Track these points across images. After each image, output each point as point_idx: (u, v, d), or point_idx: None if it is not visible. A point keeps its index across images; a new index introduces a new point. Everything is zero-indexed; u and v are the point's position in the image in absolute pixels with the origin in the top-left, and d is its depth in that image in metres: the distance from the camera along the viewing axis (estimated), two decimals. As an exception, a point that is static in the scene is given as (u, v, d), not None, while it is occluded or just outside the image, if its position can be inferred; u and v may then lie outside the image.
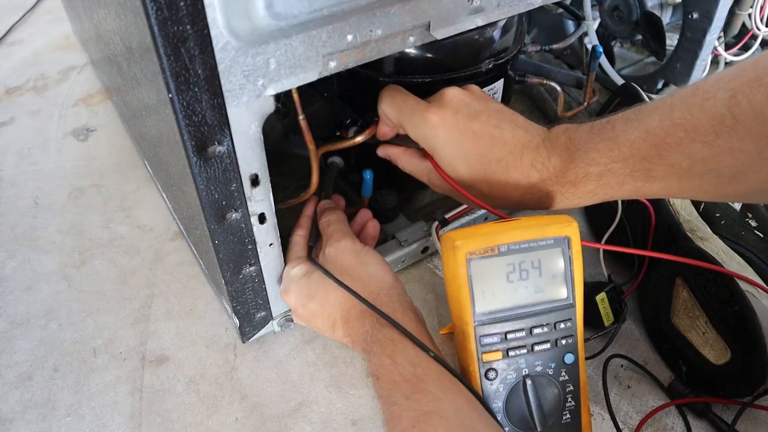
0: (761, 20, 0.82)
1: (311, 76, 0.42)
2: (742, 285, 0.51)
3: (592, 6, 0.80)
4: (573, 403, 0.47)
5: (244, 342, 0.59)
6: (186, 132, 0.39)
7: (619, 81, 0.83)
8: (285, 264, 0.54)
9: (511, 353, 0.45)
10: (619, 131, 0.43)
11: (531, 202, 0.49)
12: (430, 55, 0.56)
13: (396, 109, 0.51)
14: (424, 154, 0.52)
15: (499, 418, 0.45)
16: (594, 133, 0.44)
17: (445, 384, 0.41)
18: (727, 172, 0.38)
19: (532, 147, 0.47)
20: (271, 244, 0.50)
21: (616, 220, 0.62)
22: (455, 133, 0.48)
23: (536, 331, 0.45)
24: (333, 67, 0.42)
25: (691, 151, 0.39)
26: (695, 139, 0.38)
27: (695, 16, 0.76)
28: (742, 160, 0.37)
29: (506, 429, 0.46)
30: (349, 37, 0.42)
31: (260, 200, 0.46)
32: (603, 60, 0.82)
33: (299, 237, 0.55)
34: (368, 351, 0.45)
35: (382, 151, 0.57)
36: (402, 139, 0.55)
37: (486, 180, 0.48)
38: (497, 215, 0.49)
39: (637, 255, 0.61)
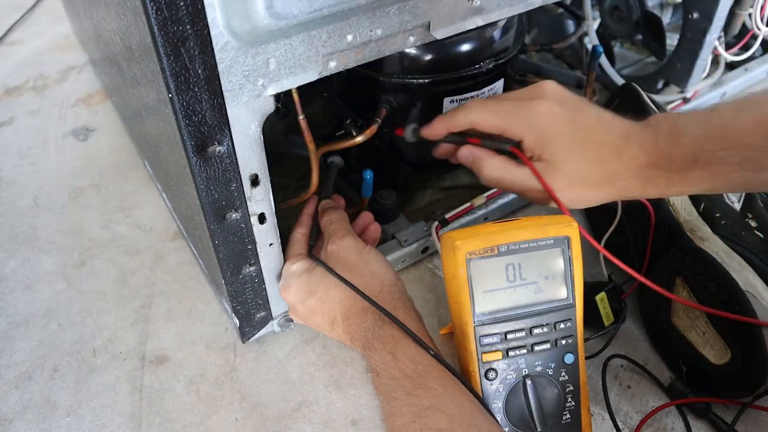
0: (761, 20, 0.82)
1: (311, 76, 0.42)
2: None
3: (592, 6, 0.80)
4: (573, 403, 0.47)
5: (244, 342, 0.59)
6: (186, 132, 0.39)
7: (619, 81, 0.83)
8: (285, 261, 0.54)
9: (511, 353, 0.45)
10: (727, 119, 0.43)
11: (637, 189, 0.48)
12: (430, 55, 0.56)
13: (494, 112, 0.50)
14: (521, 158, 0.49)
15: (499, 419, 0.45)
16: (699, 120, 0.45)
17: (447, 381, 0.41)
18: None
19: (636, 132, 0.47)
20: (271, 244, 0.50)
21: (616, 220, 0.62)
22: (566, 123, 0.48)
23: (536, 331, 0.45)
24: (333, 67, 0.42)
25: None
26: None
27: (695, 16, 0.76)
28: None
29: (506, 429, 0.46)
30: (349, 37, 0.42)
31: (260, 200, 0.46)
32: (603, 60, 0.82)
33: (300, 235, 0.55)
34: (368, 347, 0.45)
35: (468, 152, 0.53)
36: (491, 141, 0.51)
37: (601, 167, 0.48)
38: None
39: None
